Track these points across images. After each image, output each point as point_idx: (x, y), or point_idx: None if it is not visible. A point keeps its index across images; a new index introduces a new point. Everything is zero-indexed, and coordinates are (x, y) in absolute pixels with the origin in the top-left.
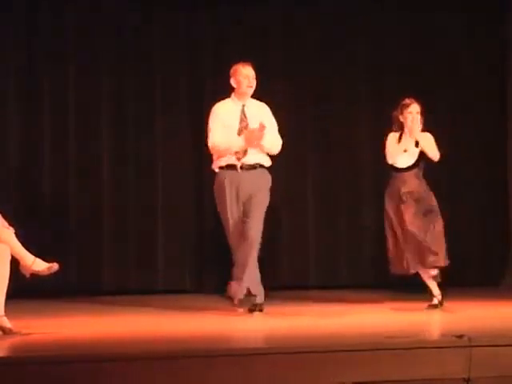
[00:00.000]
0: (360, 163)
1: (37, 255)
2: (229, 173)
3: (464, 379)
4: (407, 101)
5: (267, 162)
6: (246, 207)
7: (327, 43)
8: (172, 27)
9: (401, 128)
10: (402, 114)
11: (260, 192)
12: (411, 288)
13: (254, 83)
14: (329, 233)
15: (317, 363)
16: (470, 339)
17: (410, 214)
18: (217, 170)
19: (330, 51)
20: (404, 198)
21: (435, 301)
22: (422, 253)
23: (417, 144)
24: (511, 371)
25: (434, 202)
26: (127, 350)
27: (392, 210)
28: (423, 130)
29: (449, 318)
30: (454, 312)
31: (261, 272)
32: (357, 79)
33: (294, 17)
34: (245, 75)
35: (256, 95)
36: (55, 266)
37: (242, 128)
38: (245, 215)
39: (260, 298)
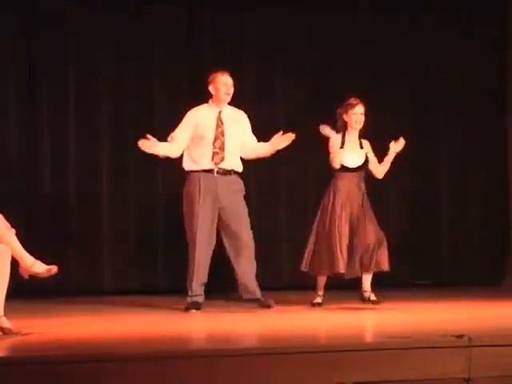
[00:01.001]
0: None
1: (37, 255)
2: (204, 176)
3: (464, 379)
4: (353, 101)
5: (240, 168)
6: (227, 212)
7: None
8: (172, 27)
9: (344, 127)
10: (346, 113)
11: (239, 197)
12: (411, 288)
13: (231, 91)
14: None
15: (317, 363)
16: (470, 339)
17: (367, 217)
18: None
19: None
20: (360, 198)
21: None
22: (369, 256)
23: (361, 145)
24: (511, 371)
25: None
26: (127, 350)
27: (340, 209)
28: (362, 134)
29: (449, 317)
30: (454, 312)
31: (261, 272)
32: (357, 80)
33: (294, 17)
34: (223, 82)
35: (257, 95)
36: (54, 269)
37: (218, 134)
38: (226, 220)
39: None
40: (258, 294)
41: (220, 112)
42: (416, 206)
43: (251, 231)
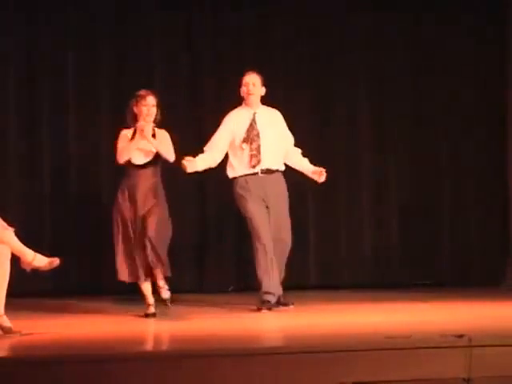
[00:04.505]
0: (360, 164)
1: (37, 251)
2: (249, 178)
3: (464, 379)
4: (143, 92)
5: (282, 167)
6: (271, 212)
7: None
8: (172, 27)
9: (135, 121)
10: (136, 105)
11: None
12: (411, 288)
13: (253, 90)
14: (329, 233)
15: (317, 363)
16: (470, 339)
17: (156, 216)
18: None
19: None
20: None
21: (152, 309)
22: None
23: (154, 137)
24: (511, 371)
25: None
26: (127, 350)
27: (129, 210)
28: (160, 126)
29: (449, 317)
30: (454, 312)
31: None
32: (356, 80)
33: (293, 17)
34: (245, 83)
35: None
36: (56, 261)
37: (254, 136)
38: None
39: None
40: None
41: (254, 114)
42: (416, 205)
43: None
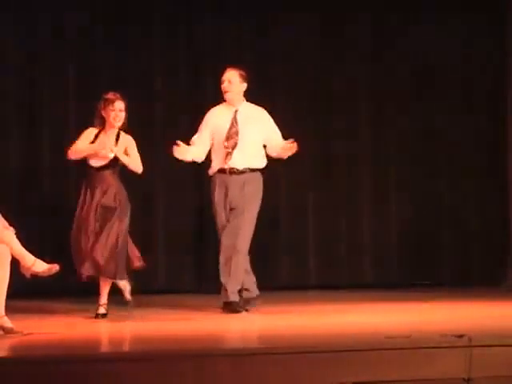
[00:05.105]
0: (360, 164)
1: (37, 255)
2: (219, 176)
3: (464, 379)
4: (111, 96)
5: (259, 166)
6: (234, 212)
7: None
8: (172, 27)
9: (103, 123)
10: (104, 109)
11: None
12: (411, 288)
13: (229, 87)
14: (329, 233)
15: (317, 363)
16: (470, 339)
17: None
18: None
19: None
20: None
21: (102, 310)
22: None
23: (117, 141)
24: (511, 371)
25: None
26: (127, 350)
27: (88, 211)
28: (127, 131)
29: (449, 317)
30: (454, 312)
31: (261, 272)
32: (357, 82)
33: (294, 17)
34: (222, 80)
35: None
36: (55, 268)
37: (232, 134)
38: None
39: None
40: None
41: (236, 111)
42: (416, 205)
43: (248, 242)
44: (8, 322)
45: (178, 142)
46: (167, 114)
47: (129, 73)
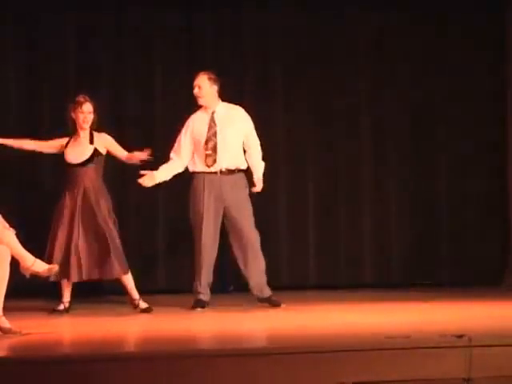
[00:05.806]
0: (360, 164)
1: (37, 255)
2: (208, 176)
3: (464, 379)
4: (81, 99)
5: (242, 166)
6: (231, 211)
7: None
8: (172, 28)
9: (74, 126)
10: (74, 112)
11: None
12: (411, 288)
13: (199, 93)
14: (329, 233)
15: (317, 363)
16: (470, 339)
17: (99, 216)
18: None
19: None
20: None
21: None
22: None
23: (92, 141)
24: (511, 371)
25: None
26: (127, 350)
27: (72, 207)
28: (99, 130)
29: (449, 317)
30: (454, 312)
31: None
32: (357, 83)
33: (293, 18)
34: (194, 85)
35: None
36: (55, 268)
37: (211, 135)
38: (231, 219)
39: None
40: (266, 293)
41: (213, 113)
42: (416, 205)
43: (255, 229)
44: (6, 323)
45: (142, 172)
46: (167, 114)
47: (129, 73)
